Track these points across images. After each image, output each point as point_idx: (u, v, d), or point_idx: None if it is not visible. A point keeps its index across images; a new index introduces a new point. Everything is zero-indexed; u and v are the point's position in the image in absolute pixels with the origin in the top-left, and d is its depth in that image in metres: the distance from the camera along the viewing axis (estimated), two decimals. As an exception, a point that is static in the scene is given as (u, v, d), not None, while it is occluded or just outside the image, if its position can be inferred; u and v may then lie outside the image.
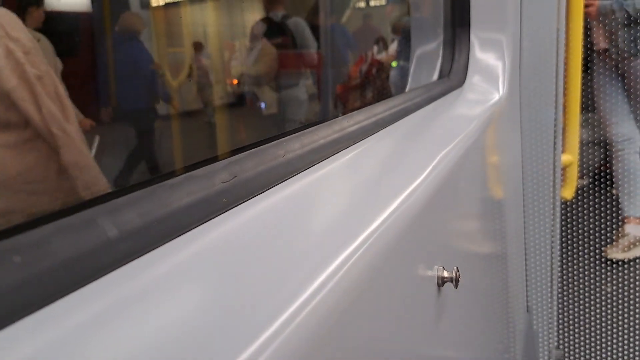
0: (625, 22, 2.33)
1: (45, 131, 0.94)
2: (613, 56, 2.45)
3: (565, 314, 2.05)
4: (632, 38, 2.38)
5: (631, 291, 2.08)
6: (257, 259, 0.40)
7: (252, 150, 0.52)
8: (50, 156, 0.96)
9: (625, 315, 2.04)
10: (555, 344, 1.80)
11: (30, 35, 0.96)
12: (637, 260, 2.33)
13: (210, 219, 0.41)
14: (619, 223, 2.40)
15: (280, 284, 0.37)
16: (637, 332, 2.02)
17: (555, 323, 1.77)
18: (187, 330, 0.30)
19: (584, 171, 2.30)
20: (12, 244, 0.29)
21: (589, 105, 2.39)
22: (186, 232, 0.38)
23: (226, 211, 0.43)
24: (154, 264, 0.35)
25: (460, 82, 1.26)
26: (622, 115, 2.50)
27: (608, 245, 2.36)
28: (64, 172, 0.96)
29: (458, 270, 0.62)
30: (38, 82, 0.93)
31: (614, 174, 2.41)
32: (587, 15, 2.44)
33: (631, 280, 2.10)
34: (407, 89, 1.35)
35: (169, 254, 0.36)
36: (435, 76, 1.33)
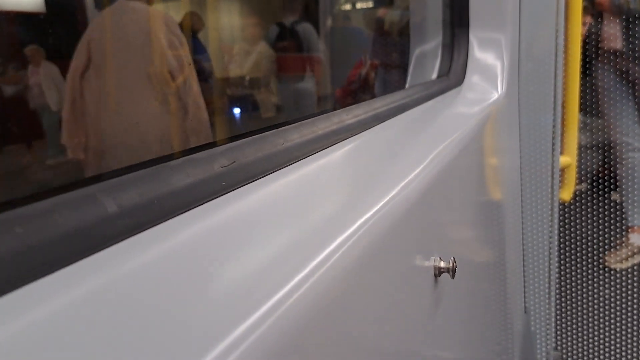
0: None
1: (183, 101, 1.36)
2: (624, 57, 2.24)
3: (563, 315, 2.05)
4: None
5: (629, 292, 2.08)
6: (254, 241, 0.41)
7: (252, 137, 0.52)
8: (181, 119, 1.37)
9: (623, 317, 2.04)
10: (554, 345, 1.81)
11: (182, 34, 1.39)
12: (635, 265, 2.33)
13: (209, 201, 0.42)
14: (622, 232, 2.34)
15: (274, 268, 0.38)
16: (634, 334, 2.02)
17: (553, 324, 1.77)
18: (179, 307, 0.31)
19: (582, 177, 2.28)
20: (15, 215, 0.29)
21: (587, 108, 2.33)
22: (184, 212, 0.39)
23: (224, 194, 0.43)
24: (152, 240, 0.35)
25: (459, 81, 1.27)
26: (629, 123, 2.39)
27: (607, 253, 2.32)
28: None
29: (454, 261, 0.62)
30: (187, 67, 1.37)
31: (618, 181, 2.33)
32: (599, 7, 2.29)
33: (629, 282, 2.10)
34: (406, 87, 1.36)
35: (166, 231, 0.37)
36: (434, 75, 1.33)
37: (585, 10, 2.12)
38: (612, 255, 2.36)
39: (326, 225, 0.46)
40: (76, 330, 0.27)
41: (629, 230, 2.41)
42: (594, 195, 2.18)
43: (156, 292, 0.31)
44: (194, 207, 0.40)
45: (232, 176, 0.45)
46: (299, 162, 0.56)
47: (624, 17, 2.14)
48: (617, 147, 2.40)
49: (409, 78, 1.38)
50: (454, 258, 0.63)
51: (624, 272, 2.19)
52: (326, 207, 0.50)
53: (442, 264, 0.63)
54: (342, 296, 0.42)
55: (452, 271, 0.62)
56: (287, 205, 0.48)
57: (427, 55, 1.37)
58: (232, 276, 0.35)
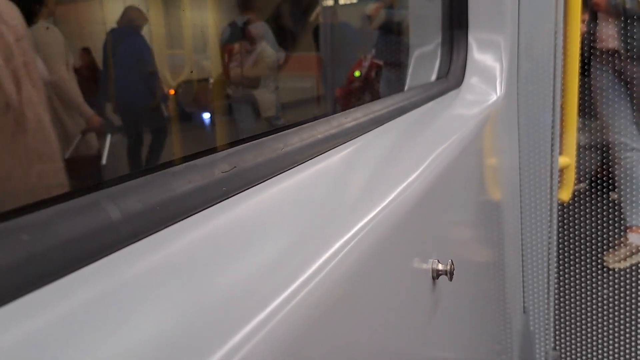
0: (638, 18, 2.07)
1: (19, 114, 0.97)
2: (622, 57, 2.25)
3: (562, 315, 2.06)
4: None
5: (627, 292, 2.09)
6: (254, 246, 0.41)
7: (252, 142, 0.53)
8: (17, 138, 0.98)
9: (622, 317, 2.05)
10: (552, 345, 1.81)
11: (25, 24, 0.99)
12: (634, 265, 2.33)
13: (210, 207, 0.42)
14: (621, 232, 2.35)
15: (274, 272, 0.38)
16: (633, 334, 2.03)
17: (552, 324, 1.78)
18: (182, 312, 0.32)
19: (581, 178, 2.28)
20: (21, 222, 0.30)
21: (586, 109, 2.32)
22: (186, 217, 0.40)
23: (225, 199, 0.44)
24: (154, 246, 0.36)
25: (458, 82, 1.27)
26: (626, 122, 2.38)
27: (606, 253, 2.33)
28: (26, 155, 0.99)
29: (452, 263, 0.63)
30: (23, 68, 0.95)
31: (616, 181, 2.33)
32: (595, 7, 2.29)
33: (627, 282, 2.11)
34: (405, 89, 1.37)
35: (169, 237, 0.37)
36: (434, 77, 1.34)
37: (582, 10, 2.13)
38: (610, 255, 2.36)
39: (326, 229, 0.47)
40: (82, 336, 0.28)
41: (628, 230, 2.41)
42: (593, 195, 2.19)
43: (160, 298, 0.32)
44: (196, 213, 0.41)
45: (232, 181, 0.46)
46: (299, 166, 0.57)
47: (621, 17, 2.15)
48: (615, 147, 2.40)
49: (408, 79, 1.38)
50: (451, 260, 0.64)
51: (622, 272, 2.19)
52: (326, 211, 0.51)
53: (440, 267, 0.63)
54: (343, 299, 0.43)
55: (449, 273, 0.63)
56: (287, 209, 0.49)
57: (426, 56, 1.38)
58: (234, 280, 0.36)
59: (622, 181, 2.34)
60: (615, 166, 2.37)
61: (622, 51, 2.23)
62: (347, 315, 0.44)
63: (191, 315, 0.31)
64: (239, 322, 0.32)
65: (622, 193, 2.33)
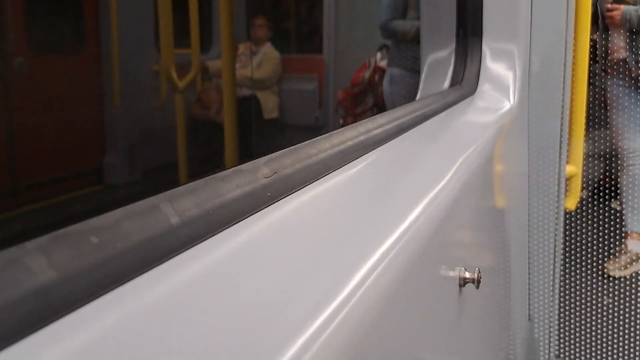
0: None
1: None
2: (632, 67, 2.32)
3: (567, 323, 2.07)
4: None
5: (632, 302, 2.10)
6: (299, 252, 0.42)
7: (289, 148, 0.54)
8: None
9: (626, 325, 2.06)
10: (556, 352, 1.82)
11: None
12: (637, 273, 2.34)
13: (257, 212, 0.43)
14: (621, 239, 2.37)
15: (316, 279, 0.39)
16: (637, 342, 2.04)
17: (556, 332, 1.79)
18: (240, 311, 0.32)
19: (584, 185, 2.29)
20: (90, 225, 0.30)
21: (596, 118, 2.35)
22: (237, 222, 0.40)
23: (270, 205, 0.45)
24: (211, 250, 0.37)
25: (472, 90, 1.28)
26: (636, 130, 2.42)
27: (607, 261, 2.34)
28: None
29: (480, 272, 0.64)
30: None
31: (620, 188, 2.36)
32: (609, 21, 2.34)
33: (632, 291, 2.12)
34: (418, 96, 1.38)
35: (223, 241, 0.38)
36: (446, 83, 1.35)
37: (594, 22, 2.20)
38: (611, 263, 2.37)
39: (364, 238, 0.47)
40: (152, 333, 0.28)
41: (627, 236, 2.43)
42: (596, 203, 2.20)
43: (219, 299, 0.33)
44: (245, 218, 0.41)
45: (275, 187, 0.47)
46: (333, 172, 0.58)
47: (633, 30, 2.22)
48: (622, 154, 2.44)
49: (421, 86, 1.39)
50: (478, 269, 0.64)
51: (626, 281, 2.20)
52: (361, 219, 0.52)
53: (467, 275, 0.64)
54: (382, 308, 0.44)
55: (477, 282, 0.64)
56: (325, 215, 0.50)
57: (439, 63, 1.39)
58: (281, 282, 0.37)
59: (624, 188, 2.38)
60: (619, 174, 2.41)
61: (633, 62, 2.29)
62: (385, 323, 0.45)
63: (245, 316, 0.32)
64: (285, 329, 0.33)
65: (624, 199, 2.36)
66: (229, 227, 0.39)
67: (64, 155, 2.76)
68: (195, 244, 0.36)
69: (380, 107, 3.68)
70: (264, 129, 4.13)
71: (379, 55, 3.84)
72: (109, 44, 2.95)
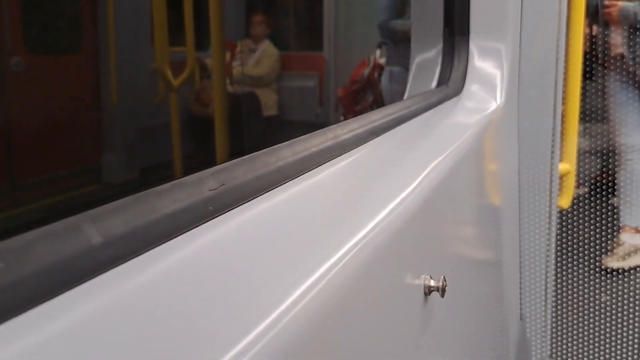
0: None
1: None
2: (630, 62, 2.36)
3: (559, 322, 2.05)
4: None
5: (625, 301, 2.08)
6: (241, 266, 0.41)
7: (243, 157, 0.52)
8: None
9: (619, 324, 2.04)
10: (549, 352, 1.81)
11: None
12: (632, 270, 2.34)
13: (196, 227, 0.42)
14: (615, 232, 2.39)
15: (262, 291, 0.38)
16: (630, 341, 2.02)
17: (549, 331, 1.78)
18: (168, 336, 0.31)
19: (581, 180, 2.29)
20: (-4, 249, 0.29)
21: (589, 113, 2.35)
22: (170, 239, 0.39)
23: (212, 219, 0.44)
24: (137, 270, 0.35)
25: (458, 90, 1.26)
26: (634, 125, 2.46)
27: (604, 256, 2.35)
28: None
29: (445, 280, 0.62)
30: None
31: (617, 183, 2.38)
32: (607, 17, 2.36)
33: (626, 289, 2.10)
34: (405, 96, 1.36)
35: (152, 260, 0.37)
36: (434, 84, 1.33)
37: (592, 20, 2.21)
38: (609, 256, 2.39)
39: (317, 247, 0.46)
40: None
41: (621, 229, 2.45)
42: (591, 199, 2.19)
43: (143, 321, 0.32)
44: (180, 234, 0.40)
45: (220, 200, 0.45)
46: (292, 181, 0.56)
47: (633, 25, 2.25)
48: (620, 149, 2.46)
49: (408, 86, 1.38)
50: (444, 277, 0.63)
51: (619, 280, 2.19)
52: (317, 227, 0.51)
53: (432, 283, 0.63)
54: (334, 317, 0.42)
55: (441, 290, 0.62)
56: (277, 226, 0.48)
57: (427, 63, 1.37)
58: (220, 301, 0.36)
59: (622, 183, 2.40)
60: (616, 169, 2.42)
61: (630, 57, 2.32)
62: (338, 332, 0.44)
63: (178, 339, 0.31)
64: (224, 345, 0.32)
65: (621, 193, 2.38)
66: (159, 245, 0.38)
67: (63, 154, 2.76)
68: (119, 265, 0.34)
69: (379, 104, 3.67)
70: (263, 126, 4.12)
71: (378, 52, 3.82)
72: (106, 42, 2.95)
